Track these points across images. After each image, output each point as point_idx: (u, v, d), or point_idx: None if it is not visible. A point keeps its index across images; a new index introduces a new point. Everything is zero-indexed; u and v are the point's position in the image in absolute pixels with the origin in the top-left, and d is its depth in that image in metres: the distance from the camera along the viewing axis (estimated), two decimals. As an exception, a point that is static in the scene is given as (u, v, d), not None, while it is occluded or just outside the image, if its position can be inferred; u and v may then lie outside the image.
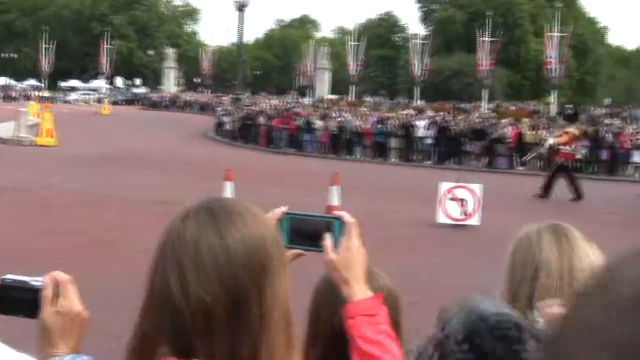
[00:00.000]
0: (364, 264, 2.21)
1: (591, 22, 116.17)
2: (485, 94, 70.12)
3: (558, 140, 25.06)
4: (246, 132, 46.03)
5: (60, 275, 1.99)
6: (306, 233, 2.23)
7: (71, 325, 1.97)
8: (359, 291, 2.16)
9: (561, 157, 24.65)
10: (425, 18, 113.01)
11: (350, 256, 2.18)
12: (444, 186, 18.28)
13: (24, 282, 1.98)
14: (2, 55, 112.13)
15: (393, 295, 2.53)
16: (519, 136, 35.00)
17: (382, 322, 2.10)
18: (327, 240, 2.18)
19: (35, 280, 1.98)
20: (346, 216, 2.21)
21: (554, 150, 25.50)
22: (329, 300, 2.39)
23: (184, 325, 1.74)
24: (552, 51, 65.68)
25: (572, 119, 27.84)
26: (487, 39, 72.64)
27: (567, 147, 24.85)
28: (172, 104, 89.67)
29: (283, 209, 2.26)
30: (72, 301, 1.99)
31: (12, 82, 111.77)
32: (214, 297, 1.73)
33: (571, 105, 28.31)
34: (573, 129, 25.52)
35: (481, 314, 1.57)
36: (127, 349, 1.85)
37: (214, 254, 1.74)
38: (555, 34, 65.97)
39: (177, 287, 1.73)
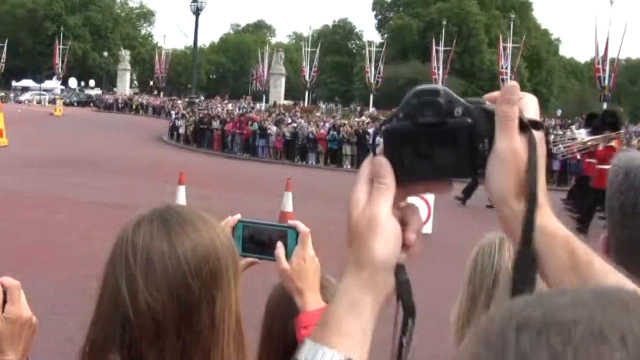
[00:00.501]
0: (318, 273, 2.21)
1: (544, 33, 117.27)
2: (438, 103, 70.47)
3: None
4: (200, 137, 45.88)
5: (8, 280, 1.92)
6: (260, 241, 2.23)
7: (20, 332, 1.91)
8: (312, 301, 2.15)
9: None
10: (381, 26, 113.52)
11: (304, 266, 2.17)
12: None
13: None
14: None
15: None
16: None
17: None
18: (280, 249, 2.18)
19: None
20: (300, 225, 2.21)
21: None
22: (282, 311, 2.38)
23: (133, 333, 1.73)
24: (506, 61, 66.30)
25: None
26: (441, 48, 73.10)
27: None
28: (126, 106, 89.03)
29: (237, 216, 2.26)
30: (21, 307, 1.92)
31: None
32: (164, 305, 1.72)
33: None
34: None
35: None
36: (78, 355, 1.84)
37: (164, 263, 1.73)
38: (509, 44, 66.62)
39: (127, 295, 1.72)
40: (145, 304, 1.71)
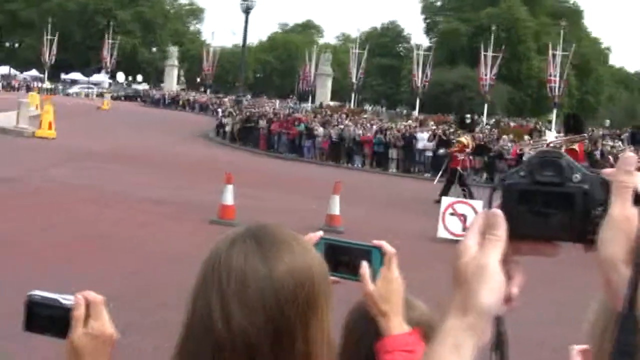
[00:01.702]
0: (402, 296, 2.14)
1: (594, 42, 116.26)
2: (485, 109, 70.04)
3: (451, 149, 26.66)
4: (246, 135, 45.94)
5: (92, 295, 1.88)
6: (342, 260, 2.15)
7: (102, 348, 1.87)
8: (397, 325, 2.08)
9: (457, 165, 25.76)
10: (429, 30, 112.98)
11: (389, 288, 2.10)
12: (445, 201, 18.32)
13: (54, 299, 1.86)
14: (5, 44, 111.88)
15: (432, 327, 2.42)
16: (519, 153, 34.93)
17: None
18: (366, 269, 2.11)
19: (65, 299, 1.86)
20: (386, 246, 2.13)
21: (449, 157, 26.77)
22: (359, 332, 2.30)
23: (225, 358, 1.66)
24: (555, 69, 65.68)
25: (467, 127, 27.93)
26: (490, 53, 72.60)
27: (459, 154, 26.05)
28: (173, 102, 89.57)
29: (319, 233, 2.18)
30: (104, 323, 1.87)
31: (14, 71, 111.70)
32: (259, 331, 1.65)
33: (468, 115, 28.43)
34: (465, 138, 26.63)
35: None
36: None
37: (260, 286, 1.66)
38: (559, 52, 65.96)
39: (220, 319, 1.66)
40: (239, 329, 1.64)
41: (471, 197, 23.82)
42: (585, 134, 22.11)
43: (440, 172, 29.20)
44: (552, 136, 35.80)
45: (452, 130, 38.32)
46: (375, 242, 2.14)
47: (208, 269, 1.73)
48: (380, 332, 2.09)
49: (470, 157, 27.35)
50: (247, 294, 1.66)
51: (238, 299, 1.65)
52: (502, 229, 1.26)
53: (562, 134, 24.52)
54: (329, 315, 1.75)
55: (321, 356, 1.73)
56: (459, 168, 25.83)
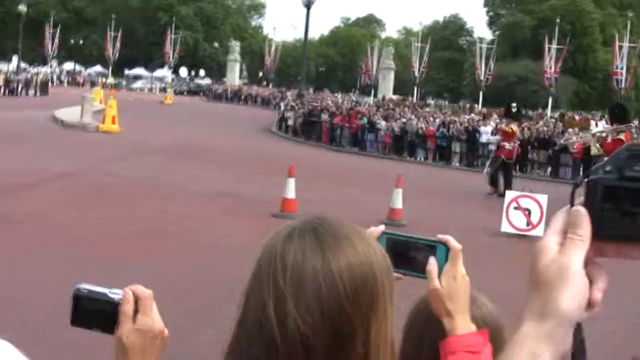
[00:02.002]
0: (468, 294, 1.99)
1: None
2: (550, 102, 69.24)
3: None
4: (309, 129, 45.94)
5: (141, 289, 1.75)
6: (405, 256, 2.01)
7: (151, 345, 1.75)
8: (462, 325, 1.94)
9: (502, 154, 25.44)
10: (492, 22, 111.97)
11: (455, 286, 1.95)
12: (509, 195, 18.01)
13: (102, 293, 1.75)
14: (70, 41, 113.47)
15: (497, 326, 2.28)
16: (585, 147, 34.41)
17: None
18: (432, 266, 1.97)
19: (113, 293, 1.75)
20: (452, 241, 1.98)
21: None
22: (422, 334, 2.17)
23: (279, 358, 1.54)
24: (621, 62, 64.62)
25: (513, 116, 27.00)
26: (554, 46, 71.71)
27: (507, 144, 25.66)
28: (235, 96, 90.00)
29: (381, 227, 2.04)
30: (154, 319, 1.76)
31: (79, 67, 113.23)
32: (315, 331, 1.51)
33: (515, 104, 27.66)
34: (512, 126, 26.02)
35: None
36: None
37: (317, 282, 1.52)
38: (625, 44, 64.89)
39: (274, 317, 1.52)
40: (295, 328, 1.51)
41: (509, 187, 23.52)
42: (632, 124, 21.63)
43: (489, 162, 28.75)
44: (600, 127, 35.31)
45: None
46: (441, 236, 2.00)
47: (263, 264, 1.60)
48: (445, 332, 1.96)
49: (518, 147, 26.92)
50: (304, 291, 1.52)
51: (294, 296, 1.52)
52: (585, 229, 1.19)
53: (609, 126, 23.94)
54: (392, 316, 1.62)
55: (382, 359, 1.60)
56: (502, 156, 25.50)
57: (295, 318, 1.51)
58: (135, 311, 1.74)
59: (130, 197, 17.73)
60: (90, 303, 1.74)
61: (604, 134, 23.53)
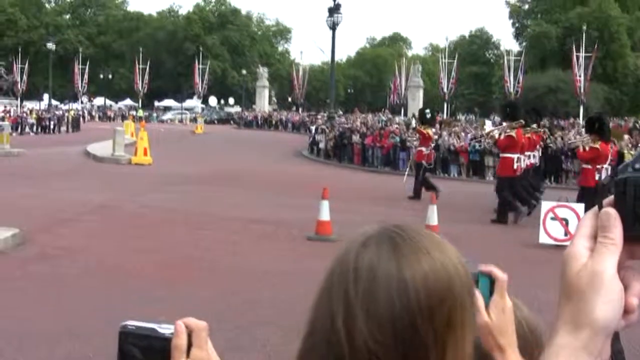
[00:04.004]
0: (514, 326, 1.92)
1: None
2: (581, 110, 68.83)
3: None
4: (340, 151, 45.92)
5: (193, 321, 1.61)
6: None
7: None
8: (514, 359, 1.87)
9: (422, 159, 26.21)
10: (519, 34, 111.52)
11: (504, 319, 1.86)
12: (546, 205, 17.82)
13: (151, 329, 1.61)
14: (100, 76, 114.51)
15: (536, 332, 2.21)
16: (619, 154, 34.09)
17: None
18: (480, 299, 1.88)
19: (163, 327, 1.61)
20: (497, 272, 1.90)
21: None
22: None
23: None
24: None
25: (428, 122, 27.81)
26: (582, 54, 71.34)
27: (424, 148, 26.51)
28: (266, 122, 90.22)
29: None
30: (209, 353, 1.61)
31: (109, 102, 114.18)
32: (387, 349, 1.42)
33: (429, 110, 28.38)
34: (429, 130, 27.12)
35: None
36: None
37: (390, 297, 1.41)
38: (655, 47, 64.48)
39: (343, 331, 1.45)
40: (364, 345, 1.41)
41: (435, 190, 23.94)
42: (522, 121, 22.14)
43: (408, 169, 29.41)
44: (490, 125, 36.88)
45: (548, 134, 37.76)
46: (484, 267, 1.93)
47: (335, 274, 1.50)
48: None
49: (434, 150, 28.07)
50: (376, 306, 1.42)
51: (365, 311, 1.43)
52: (616, 231, 1.14)
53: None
54: (470, 336, 1.52)
55: None
56: (424, 162, 26.05)
57: (364, 334, 1.41)
58: (189, 345, 1.60)
59: (165, 227, 17.77)
60: (138, 340, 1.62)
61: (495, 132, 24.09)
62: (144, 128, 39.27)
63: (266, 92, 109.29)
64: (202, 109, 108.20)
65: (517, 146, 21.81)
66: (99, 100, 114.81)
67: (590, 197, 20.10)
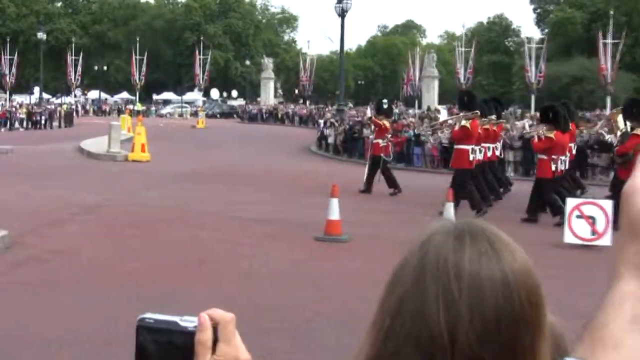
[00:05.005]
0: None
1: None
2: (608, 101, 68.60)
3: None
4: (351, 146, 45.82)
5: (219, 313, 1.53)
6: None
7: None
8: None
9: (380, 152, 26.20)
10: (540, 20, 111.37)
11: None
12: (571, 202, 17.61)
13: (172, 322, 1.52)
14: (94, 67, 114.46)
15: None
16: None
17: None
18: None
19: (185, 320, 1.52)
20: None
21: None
22: None
23: None
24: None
25: (385, 112, 27.88)
26: (609, 41, 71.08)
27: (381, 140, 26.49)
28: (271, 116, 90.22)
29: None
30: (238, 348, 1.52)
31: (104, 95, 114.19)
32: (491, 352, 1.40)
33: (385, 100, 28.41)
34: (385, 121, 27.10)
35: None
36: None
37: (496, 296, 1.41)
38: (686, 33, 64.28)
39: (446, 334, 1.40)
40: (467, 345, 1.39)
41: (395, 186, 24.89)
42: (478, 111, 22.35)
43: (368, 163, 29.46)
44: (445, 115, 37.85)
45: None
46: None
47: (427, 268, 1.46)
48: None
49: (391, 142, 28.02)
50: (483, 304, 1.41)
51: (469, 310, 1.40)
52: None
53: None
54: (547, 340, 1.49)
55: None
56: (382, 155, 26.10)
57: (469, 334, 1.39)
58: (215, 340, 1.51)
59: (165, 227, 17.73)
60: (158, 335, 1.52)
61: (450, 122, 24.75)
62: (142, 123, 39.28)
63: (271, 84, 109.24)
64: (204, 102, 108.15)
65: (472, 137, 22.04)
66: (93, 94, 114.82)
67: (547, 188, 20.36)
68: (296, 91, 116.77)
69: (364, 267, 13.64)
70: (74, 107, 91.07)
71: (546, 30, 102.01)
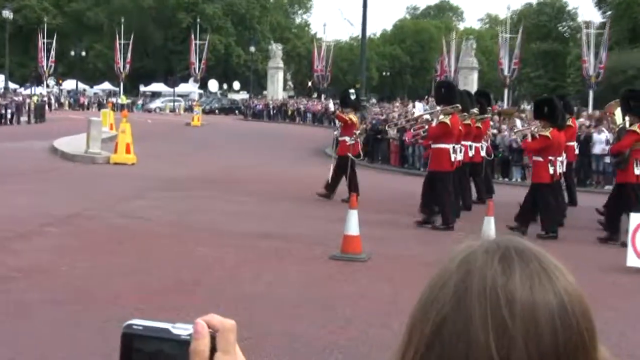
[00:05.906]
0: None
1: None
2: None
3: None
4: (373, 149, 45.71)
5: (218, 319, 1.57)
6: None
7: None
8: None
9: (347, 151, 26.26)
10: (601, 1, 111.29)
11: None
12: (635, 219, 17.46)
13: (164, 329, 1.54)
14: (70, 53, 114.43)
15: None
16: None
17: None
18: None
19: (178, 328, 1.55)
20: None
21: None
22: None
23: None
24: None
25: (351, 105, 27.65)
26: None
27: (348, 138, 26.51)
28: (279, 113, 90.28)
29: None
30: (237, 358, 1.57)
31: (82, 85, 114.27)
32: None
33: (352, 91, 28.01)
34: (352, 116, 26.92)
35: None
36: None
37: (553, 323, 1.49)
38: None
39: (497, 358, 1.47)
40: None
41: (355, 189, 24.21)
42: (458, 105, 22.37)
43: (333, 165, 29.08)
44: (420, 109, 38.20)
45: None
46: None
47: (471, 293, 1.52)
48: None
49: (359, 140, 27.65)
50: (539, 332, 1.48)
51: (525, 339, 1.48)
52: None
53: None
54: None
55: None
56: (349, 154, 26.12)
57: None
58: (212, 350, 1.54)
59: (152, 242, 17.77)
60: (147, 344, 1.54)
61: (426, 117, 25.27)
62: (127, 119, 39.38)
63: (280, 75, 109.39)
64: (200, 96, 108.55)
65: (451, 135, 22.04)
66: (69, 84, 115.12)
67: (545, 195, 20.39)
68: (309, 84, 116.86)
69: (387, 290, 13.68)
70: (46, 99, 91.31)
71: (608, 13, 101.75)
